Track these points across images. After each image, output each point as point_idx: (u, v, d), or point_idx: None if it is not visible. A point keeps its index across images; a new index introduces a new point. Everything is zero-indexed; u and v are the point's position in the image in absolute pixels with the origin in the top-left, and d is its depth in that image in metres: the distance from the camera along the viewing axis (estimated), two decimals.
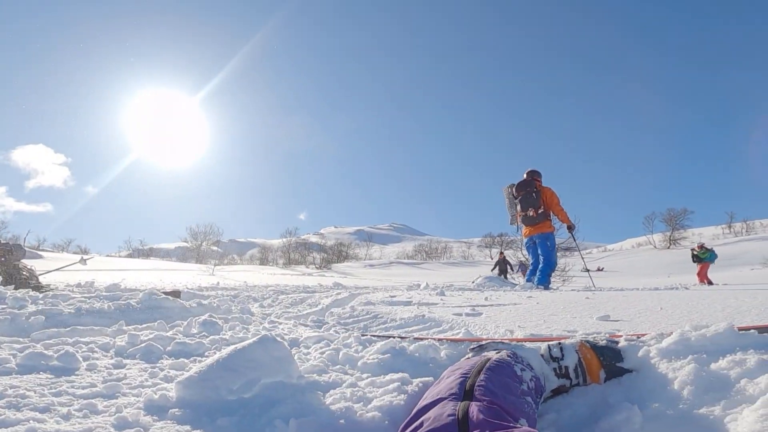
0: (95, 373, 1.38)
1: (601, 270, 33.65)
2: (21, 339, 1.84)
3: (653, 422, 0.94)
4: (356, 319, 2.83)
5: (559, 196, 6.14)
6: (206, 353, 1.73)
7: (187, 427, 0.99)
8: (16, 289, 3.74)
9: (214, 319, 2.30)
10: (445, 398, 0.86)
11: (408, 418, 0.86)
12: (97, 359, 1.55)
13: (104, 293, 3.72)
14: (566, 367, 1.17)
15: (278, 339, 1.30)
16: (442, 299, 3.48)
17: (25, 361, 1.40)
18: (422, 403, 0.90)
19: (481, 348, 1.21)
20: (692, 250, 13.97)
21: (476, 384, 0.89)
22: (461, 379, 0.93)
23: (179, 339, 1.85)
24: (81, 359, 1.48)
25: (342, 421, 1.02)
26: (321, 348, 1.79)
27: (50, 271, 6.93)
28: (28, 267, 5.20)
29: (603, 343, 1.21)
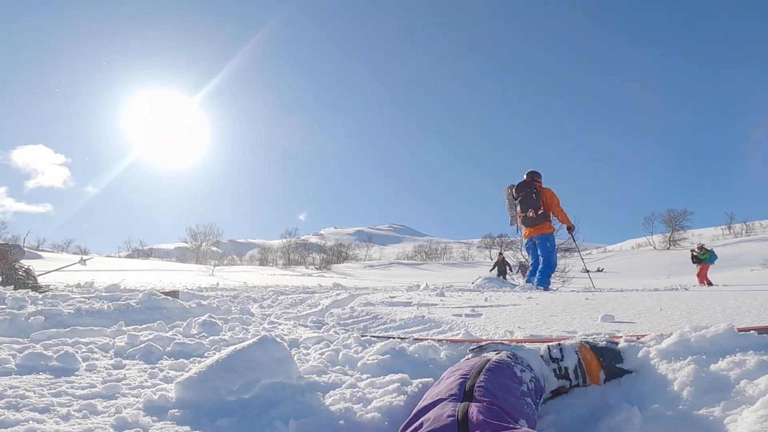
0: (95, 373, 1.38)
1: (601, 271, 33.65)
2: (20, 339, 1.84)
3: (653, 423, 0.94)
4: (356, 319, 2.83)
5: (558, 196, 6.14)
6: (206, 354, 1.73)
7: (187, 428, 0.99)
8: (15, 289, 3.74)
9: (213, 320, 2.30)
10: (444, 399, 0.86)
11: (408, 419, 0.86)
12: (96, 360, 1.55)
13: (104, 294, 3.72)
14: (566, 368, 1.17)
15: (278, 340, 1.30)
16: (441, 300, 3.48)
17: (24, 361, 1.40)
18: (422, 403, 0.90)
19: (481, 349, 1.21)
20: (692, 251, 13.97)
21: (476, 385, 0.89)
22: (461, 380, 0.92)
23: (179, 339, 1.85)
24: (80, 360, 1.48)
25: (342, 421, 1.02)
26: (321, 349, 1.79)
27: (50, 272, 6.92)
28: (25, 267, 5.15)
29: (603, 344, 1.21)
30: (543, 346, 1.23)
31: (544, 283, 5.92)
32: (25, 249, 5.72)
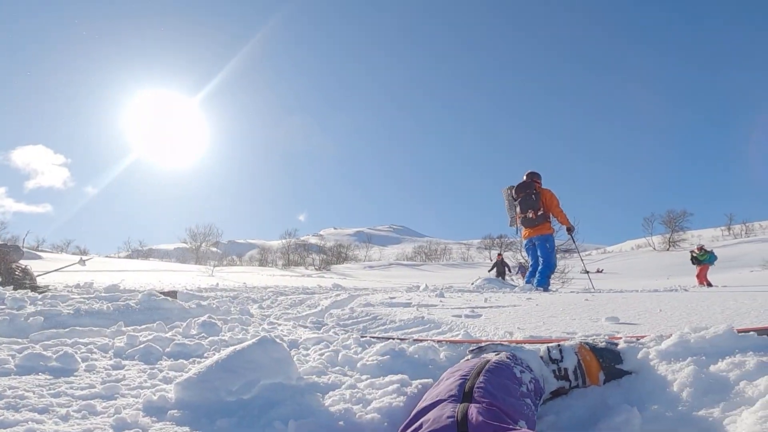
0: (94, 374, 1.38)
1: (601, 272, 33.65)
2: (20, 340, 1.84)
3: (652, 424, 0.94)
4: (355, 320, 2.83)
5: (558, 197, 6.15)
6: (205, 354, 1.73)
7: (186, 429, 0.99)
8: (15, 290, 3.73)
9: (213, 321, 2.29)
10: (444, 400, 0.86)
11: (407, 420, 0.86)
12: (95, 360, 1.55)
13: (103, 294, 3.71)
14: (565, 369, 1.17)
15: (277, 340, 1.30)
16: (441, 301, 3.48)
17: (23, 361, 1.40)
18: (421, 404, 0.90)
19: (481, 350, 1.21)
20: (691, 252, 13.97)
21: (475, 386, 0.89)
22: (460, 380, 0.92)
23: (178, 340, 1.85)
24: (80, 360, 1.48)
25: (341, 422, 1.02)
26: (320, 349, 1.79)
27: (49, 272, 6.92)
28: (22, 266, 5.11)
29: (602, 345, 1.21)
30: (542, 347, 1.23)
31: (544, 284, 5.92)
32: (25, 249, 5.70)
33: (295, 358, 1.47)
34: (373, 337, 1.99)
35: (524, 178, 6.34)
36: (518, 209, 6.23)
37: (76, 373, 1.37)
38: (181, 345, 1.77)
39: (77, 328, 2.08)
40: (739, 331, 1.12)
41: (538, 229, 6.11)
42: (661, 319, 1.89)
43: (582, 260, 8.84)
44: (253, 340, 1.27)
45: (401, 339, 1.80)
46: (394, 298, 3.87)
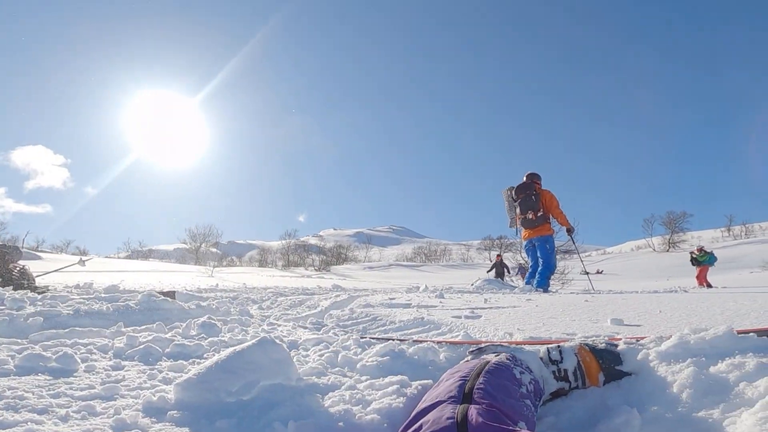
0: (94, 374, 1.38)
1: (601, 273, 33.65)
2: (19, 340, 1.84)
3: (652, 425, 0.94)
4: (355, 321, 2.83)
5: (558, 198, 6.15)
6: (205, 355, 1.72)
7: (186, 429, 0.99)
8: (14, 290, 3.73)
9: (212, 321, 2.29)
10: (444, 401, 0.86)
11: (407, 421, 0.86)
12: (95, 361, 1.55)
13: (103, 294, 3.71)
14: (565, 370, 1.17)
15: (277, 341, 1.30)
16: (441, 302, 3.48)
17: (23, 362, 1.39)
18: (421, 405, 0.90)
19: (480, 351, 1.21)
20: (691, 253, 13.97)
21: (475, 387, 0.89)
22: (460, 381, 0.92)
23: (178, 341, 1.85)
24: (79, 361, 1.48)
25: (341, 423, 1.02)
26: (320, 350, 1.79)
27: (49, 272, 6.91)
28: (20, 267, 5.08)
29: (602, 346, 1.21)
30: (542, 348, 1.23)
31: (544, 285, 5.92)
32: (25, 250, 5.70)
33: (294, 359, 1.47)
34: (373, 338, 1.99)
35: (524, 179, 6.34)
36: (518, 210, 6.23)
37: (75, 374, 1.36)
38: (181, 346, 1.77)
39: (77, 328, 2.08)
40: (739, 333, 1.12)
41: (538, 230, 6.12)
42: (661, 320, 1.89)
43: (582, 261, 8.84)
44: (253, 341, 1.27)
45: (401, 340, 1.79)
46: (393, 299, 3.87)
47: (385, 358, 1.48)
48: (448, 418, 0.78)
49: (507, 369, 1.02)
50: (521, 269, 17.54)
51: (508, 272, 16.69)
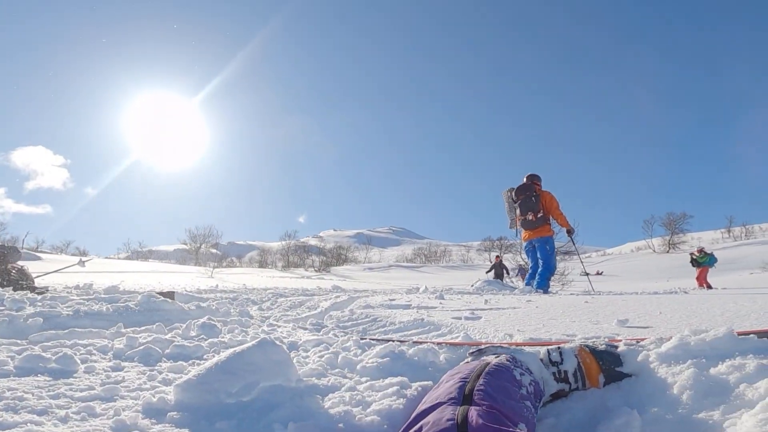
0: (93, 375, 1.38)
1: (601, 274, 33.64)
2: (19, 341, 1.84)
3: (652, 426, 0.94)
4: (355, 322, 2.83)
5: (558, 200, 6.15)
6: (205, 356, 1.72)
7: (186, 431, 0.99)
8: (14, 291, 3.73)
9: (212, 322, 2.29)
10: (444, 402, 0.86)
11: (407, 423, 0.86)
12: (95, 362, 1.55)
13: (103, 295, 3.71)
14: (565, 372, 1.17)
15: (277, 342, 1.30)
16: (441, 303, 3.48)
17: (23, 363, 1.39)
18: (421, 407, 0.89)
19: (481, 352, 1.21)
20: (691, 254, 13.97)
21: (475, 388, 0.89)
22: (460, 383, 0.92)
23: (178, 342, 1.85)
24: (79, 362, 1.48)
25: (341, 425, 1.02)
26: (320, 351, 1.79)
27: (48, 273, 6.91)
28: (19, 267, 5.05)
29: (602, 347, 1.21)
30: (542, 350, 1.23)
31: (544, 286, 5.92)
32: (25, 250, 5.70)
33: (294, 360, 1.47)
34: (373, 339, 1.99)
35: (524, 180, 6.34)
36: (518, 211, 6.23)
37: (75, 375, 1.36)
38: (181, 347, 1.77)
39: (76, 329, 2.08)
40: (740, 334, 1.12)
41: (538, 232, 6.12)
42: (661, 321, 1.89)
43: (582, 262, 8.85)
44: (253, 342, 1.26)
45: (401, 341, 1.79)
46: (393, 300, 3.87)
47: (385, 360, 1.47)
48: (448, 420, 0.77)
49: (507, 370, 1.02)
50: (521, 270, 17.54)
51: (507, 273, 16.69)
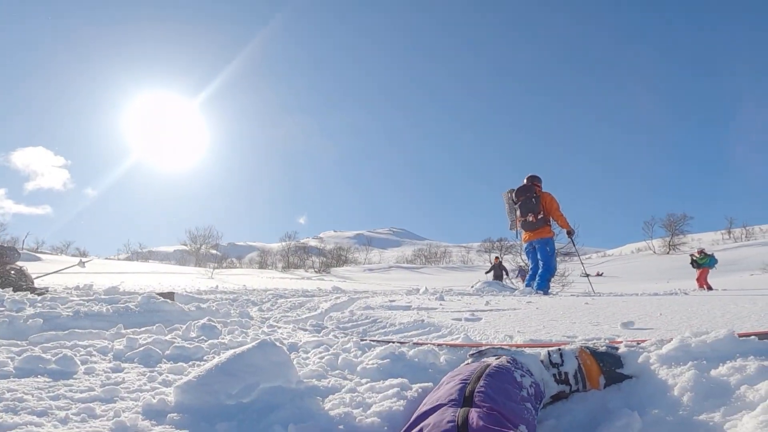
0: (93, 376, 1.38)
1: (601, 275, 33.63)
2: (19, 342, 1.84)
3: (653, 428, 0.94)
4: (355, 323, 2.82)
5: (558, 201, 6.15)
6: (205, 357, 1.72)
7: None
8: (14, 291, 3.72)
9: (212, 323, 2.29)
10: (444, 404, 0.86)
11: (407, 424, 0.86)
12: (95, 363, 1.55)
13: (103, 296, 3.71)
14: (566, 373, 1.16)
15: (277, 344, 1.30)
16: (441, 304, 3.48)
17: (22, 364, 1.39)
18: (422, 409, 0.89)
19: (481, 354, 1.21)
20: (692, 255, 13.97)
21: (476, 390, 0.89)
22: (461, 385, 0.92)
23: (178, 343, 1.84)
24: (79, 363, 1.48)
25: (341, 426, 1.02)
26: (320, 353, 1.79)
27: (48, 274, 6.91)
28: (18, 268, 5.02)
29: (603, 349, 1.21)
30: (543, 351, 1.23)
31: (544, 288, 5.92)
32: (25, 251, 5.69)
33: (294, 362, 1.47)
34: (373, 341, 1.99)
35: (525, 181, 6.35)
36: (518, 213, 6.23)
37: (75, 376, 1.36)
38: (181, 348, 1.76)
39: (76, 330, 2.08)
40: (740, 336, 1.12)
41: (539, 233, 6.12)
42: (662, 322, 1.89)
43: (582, 263, 8.84)
44: (253, 343, 1.26)
45: (401, 342, 1.79)
46: (393, 301, 3.87)
47: (385, 361, 1.47)
48: (448, 422, 0.77)
49: (508, 372, 1.01)
50: (521, 272, 17.54)
51: (507, 275, 16.69)
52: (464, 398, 0.87)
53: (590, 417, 1.07)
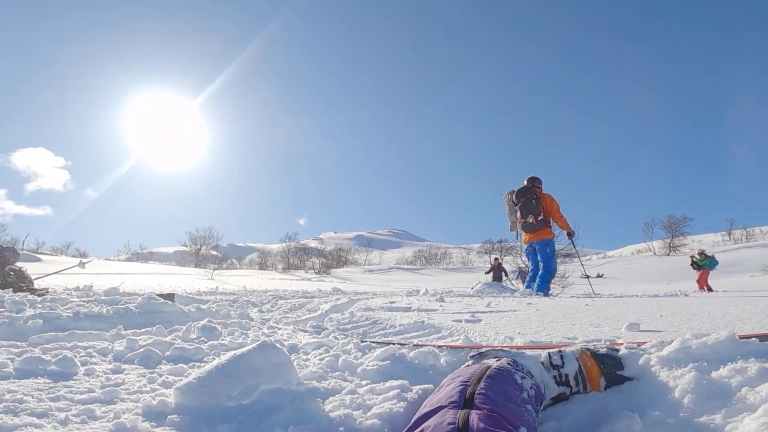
0: (93, 378, 1.38)
1: (601, 276, 33.61)
2: (19, 343, 1.83)
3: (653, 430, 0.94)
4: (355, 324, 2.82)
5: (559, 202, 6.16)
6: (205, 359, 1.72)
7: None
8: (14, 292, 3.72)
9: (213, 324, 2.29)
10: (445, 406, 0.86)
11: (408, 426, 0.86)
12: (95, 364, 1.55)
13: (103, 297, 3.71)
14: (566, 375, 1.16)
15: (277, 345, 1.30)
16: (441, 305, 3.47)
17: (22, 365, 1.39)
18: (422, 410, 0.89)
19: (481, 355, 1.21)
20: (692, 257, 13.97)
21: (476, 392, 0.89)
22: (461, 386, 0.92)
23: (178, 344, 1.84)
24: (79, 364, 1.47)
25: (341, 428, 1.01)
26: (320, 354, 1.79)
27: (48, 275, 6.91)
28: (17, 269, 5.00)
29: (603, 350, 1.21)
30: (543, 353, 1.23)
31: (544, 289, 5.92)
32: (25, 252, 5.68)
33: (295, 363, 1.47)
34: (373, 342, 1.99)
35: (525, 182, 6.35)
36: (519, 214, 6.23)
37: (75, 377, 1.36)
38: (181, 349, 1.76)
39: (76, 331, 2.08)
40: (741, 337, 1.12)
41: (539, 234, 6.12)
42: (662, 324, 1.88)
43: (582, 265, 8.83)
44: (253, 344, 1.26)
45: (401, 344, 1.79)
46: (394, 302, 3.87)
47: (385, 363, 1.47)
48: (449, 424, 0.77)
49: (508, 374, 1.01)
50: (521, 273, 17.53)
51: (506, 276, 16.68)
52: (465, 400, 0.87)
53: (591, 419, 1.07)
